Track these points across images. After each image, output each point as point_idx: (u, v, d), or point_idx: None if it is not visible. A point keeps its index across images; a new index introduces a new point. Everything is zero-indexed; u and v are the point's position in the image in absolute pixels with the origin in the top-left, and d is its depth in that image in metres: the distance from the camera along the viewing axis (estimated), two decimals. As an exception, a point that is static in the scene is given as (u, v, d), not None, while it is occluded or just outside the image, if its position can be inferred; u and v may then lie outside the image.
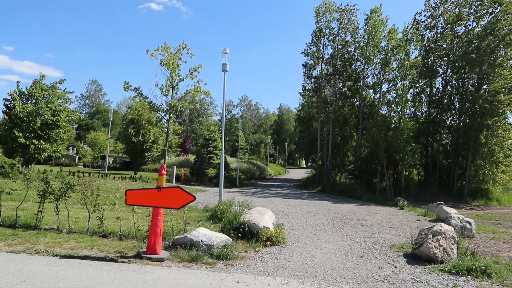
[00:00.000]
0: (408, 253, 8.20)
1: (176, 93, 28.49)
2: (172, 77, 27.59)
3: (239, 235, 8.68)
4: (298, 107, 65.78)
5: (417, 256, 7.78)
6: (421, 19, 32.62)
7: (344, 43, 36.38)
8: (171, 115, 29.74)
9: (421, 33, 31.66)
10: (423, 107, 33.67)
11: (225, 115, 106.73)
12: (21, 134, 24.35)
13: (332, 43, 36.89)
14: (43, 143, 25.10)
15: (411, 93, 32.30)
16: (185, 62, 27.33)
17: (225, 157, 36.31)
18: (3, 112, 24.61)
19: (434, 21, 31.89)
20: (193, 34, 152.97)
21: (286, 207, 17.38)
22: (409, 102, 31.34)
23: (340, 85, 37.92)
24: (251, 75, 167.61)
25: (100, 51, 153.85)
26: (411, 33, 28.27)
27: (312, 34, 37.57)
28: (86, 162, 58.63)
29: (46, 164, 45.88)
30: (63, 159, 60.79)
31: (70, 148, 72.48)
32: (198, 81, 27.55)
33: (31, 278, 5.26)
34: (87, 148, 73.24)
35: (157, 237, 6.86)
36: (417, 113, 33.68)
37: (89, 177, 11.50)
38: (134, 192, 7.12)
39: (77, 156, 65.89)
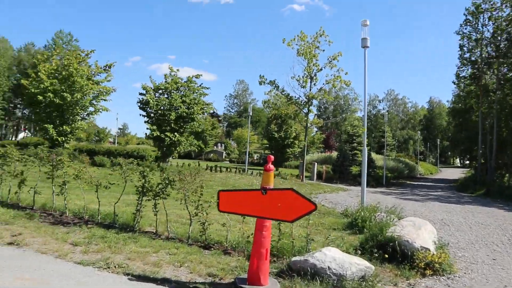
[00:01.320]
0: None
1: (314, 84, 26.44)
2: (309, 67, 25.69)
3: (385, 255, 6.05)
4: (452, 99, 58.12)
5: None
6: None
7: (510, 18, 29.78)
8: (310, 107, 27.82)
9: None
10: None
11: (370, 110, 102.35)
12: (155, 128, 24.95)
13: (493, 21, 30.62)
14: (178, 136, 25.33)
15: None
16: (323, 50, 25.22)
17: (369, 154, 33.12)
18: (139, 107, 25.61)
19: None
20: (335, 33, 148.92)
21: (444, 214, 13.77)
22: None
23: (505, 70, 31.36)
24: (395, 68, 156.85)
25: (247, 54, 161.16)
26: None
27: (465, 12, 31.92)
28: (232, 158, 60.61)
29: (197, 159, 48.10)
30: (212, 154, 64.14)
31: (219, 144, 76.44)
32: (338, 70, 25.13)
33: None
34: (234, 144, 76.25)
35: (261, 261, 4.67)
36: None
37: (196, 170, 9.91)
38: (230, 194, 5.04)
39: (224, 152, 68.88)
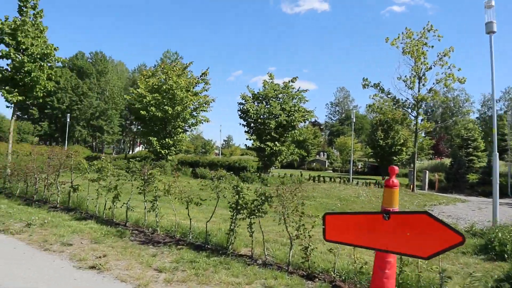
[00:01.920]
0: None
1: (423, 85, 24.09)
2: (417, 66, 23.49)
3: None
4: None
5: None
6: None
7: None
8: (419, 110, 25.41)
9: None
10: None
11: (484, 112, 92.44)
12: (255, 137, 24.44)
13: None
14: (278, 145, 24.49)
15: None
16: (432, 47, 22.90)
17: (490, 160, 29.32)
18: (239, 116, 25.39)
19: None
20: (440, 32, 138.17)
21: None
22: None
23: None
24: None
25: (347, 60, 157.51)
26: None
27: None
28: (335, 166, 58.77)
29: (299, 168, 47.28)
30: (314, 163, 62.85)
31: (321, 153, 74.87)
32: (449, 67, 22.54)
33: None
34: (336, 153, 74.23)
35: (383, 311, 3.41)
36: None
37: (296, 184, 8.75)
38: (339, 218, 3.82)
39: (327, 161, 67.16)
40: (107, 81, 77.75)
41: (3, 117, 77.70)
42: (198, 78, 27.24)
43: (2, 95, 15.20)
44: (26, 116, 76.98)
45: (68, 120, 56.53)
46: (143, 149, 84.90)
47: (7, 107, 16.14)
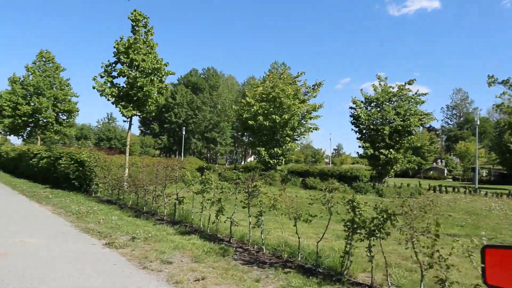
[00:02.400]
0: None
1: None
2: None
3: None
4: None
5: None
6: None
7: None
8: None
9: None
10: None
11: None
12: (368, 145, 22.63)
13: None
14: (393, 152, 22.32)
15: None
16: None
17: None
18: (350, 122, 23.83)
19: None
20: None
21: None
22: None
23: None
24: None
25: (463, 57, 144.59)
26: None
27: None
28: (455, 175, 53.54)
29: (415, 177, 43.89)
30: (431, 172, 57.93)
31: (438, 160, 68.91)
32: None
33: None
34: (456, 160, 67.93)
35: None
36: None
37: (425, 197, 7.24)
38: (504, 252, 2.56)
39: (446, 169, 61.66)
40: (219, 95, 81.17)
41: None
42: (310, 88, 26.48)
43: (119, 111, 16.01)
44: (148, 131, 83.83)
45: (184, 133, 59.79)
46: (254, 159, 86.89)
47: (124, 121, 17.03)
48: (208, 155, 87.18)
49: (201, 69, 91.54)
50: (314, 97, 26.54)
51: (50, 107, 29.16)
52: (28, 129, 30.89)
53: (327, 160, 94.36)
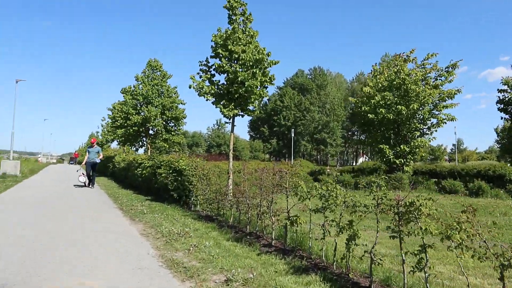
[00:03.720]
0: None
1: None
2: None
3: None
4: None
5: None
6: None
7: None
8: None
9: None
10: None
11: None
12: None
13: None
14: None
15: None
16: None
17: None
18: (498, 109, 19.08)
19: None
20: None
21: None
22: None
23: None
24: None
25: None
26: None
27: None
28: None
29: None
30: None
31: None
32: None
33: None
34: None
35: None
36: None
37: None
38: None
39: None
40: (327, 94, 78.07)
41: (237, 137, 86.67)
42: (443, 71, 21.95)
43: (220, 111, 14.17)
44: (258, 135, 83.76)
45: (293, 135, 57.81)
46: (365, 159, 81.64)
47: (226, 123, 15.23)
48: (318, 157, 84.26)
49: (307, 70, 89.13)
50: (449, 81, 21.95)
51: (159, 115, 28.98)
52: (141, 139, 31.26)
53: (446, 157, 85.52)
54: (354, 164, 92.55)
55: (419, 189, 17.30)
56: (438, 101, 21.44)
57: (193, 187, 11.40)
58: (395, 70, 21.86)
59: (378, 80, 22.26)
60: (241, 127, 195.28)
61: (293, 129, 59.89)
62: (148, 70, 30.52)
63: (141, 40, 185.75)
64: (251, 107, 14.61)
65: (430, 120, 22.40)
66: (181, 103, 30.93)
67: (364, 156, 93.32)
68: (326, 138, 73.91)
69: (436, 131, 21.88)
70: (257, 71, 13.61)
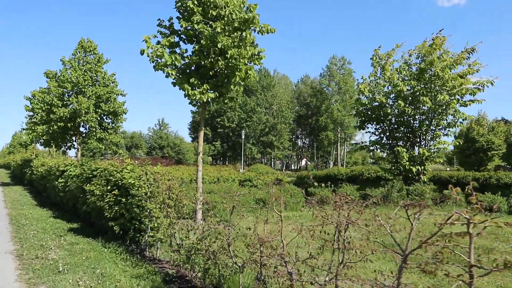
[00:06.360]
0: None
1: None
2: None
3: None
4: None
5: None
6: None
7: None
8: None
9: None
10: None
11: None
12: None
13: None
14: None
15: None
16: None
17: None
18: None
19: None
20: None
21: None
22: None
23: None
24: None
25: None
26: None
27: None
28: None
29: None
30: None
31: None
32: None
33: None
34: None
35: None
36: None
37: None
38: None
39: None
40: (273, 95, 74.71)
41: (181, 139, 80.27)
42: (463, 52, 17.08)
43: (185, 94, 9.56)
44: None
45: (243, 137, 53.58)
46: (307, 163, 79.54)
47: (193, 112, 10.57)
48: (263, 160, 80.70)
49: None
50: (477, 71, 17.47)
51: (92, 108, 23.18)
52: (69, 138, 25.20)
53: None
54: (297, 167, 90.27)
55: (447, 205, 13.49)
56: (463, 93, 17.23)
57: (149, 219, 6.70)
58: (423, 51, 17.69)
59: (401, 68, 17.87)
60: (180, 128, 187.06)
61: (243, 131, 55.60)
62: (79, 52, 24.61)
63: (70, 17, 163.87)
64: (232, 91, 10.11)
65: (446, 117, 17.81)
66: (121, 94, 25.18)
67: (304, 159, 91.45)
68: (274, 141, 70.51)
69: (459, 126, 17.98)
70: (247, 35, 9.18)
